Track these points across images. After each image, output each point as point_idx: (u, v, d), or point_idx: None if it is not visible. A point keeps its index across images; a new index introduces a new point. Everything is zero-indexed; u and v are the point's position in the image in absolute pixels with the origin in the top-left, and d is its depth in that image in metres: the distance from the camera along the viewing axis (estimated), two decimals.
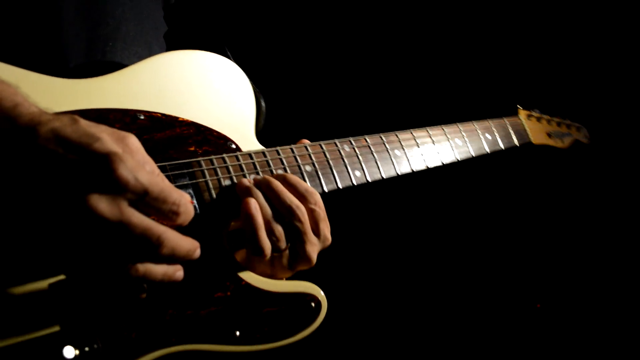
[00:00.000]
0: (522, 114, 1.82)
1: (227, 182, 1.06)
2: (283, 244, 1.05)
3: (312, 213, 1.07)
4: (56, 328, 0.81)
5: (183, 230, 0.87)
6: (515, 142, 1.69)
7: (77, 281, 0.79)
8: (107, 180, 0.75)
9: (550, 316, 2.42)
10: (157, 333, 0.89)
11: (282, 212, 1.04)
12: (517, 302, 2.48)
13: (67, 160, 0.76)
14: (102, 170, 0.76)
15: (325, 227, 1.12)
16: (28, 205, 0.75)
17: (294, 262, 1.09)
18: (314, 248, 1.09)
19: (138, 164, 0.80)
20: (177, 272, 0.84)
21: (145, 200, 0.79)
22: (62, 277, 0.81)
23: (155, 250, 0.79)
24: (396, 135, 1.38)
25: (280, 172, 1.14)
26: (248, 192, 1.04)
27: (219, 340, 0.94)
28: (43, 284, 0.81)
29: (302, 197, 1.07)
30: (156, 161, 0.99)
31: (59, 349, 0.80)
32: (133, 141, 0.85)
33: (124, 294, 0.81)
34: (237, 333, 0.96)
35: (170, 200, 0.81)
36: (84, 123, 0.81)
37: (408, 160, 1.37)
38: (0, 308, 0.77)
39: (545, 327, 2.38)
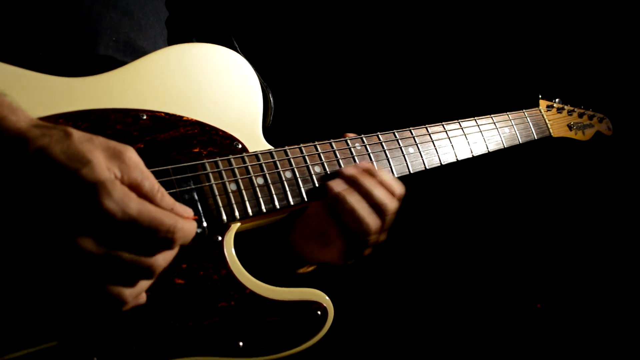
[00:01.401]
0: (543, 105, 1.75)
1: (232, 187, 1.03)
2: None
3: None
4: (54, 343, 0.79)
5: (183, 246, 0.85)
6: (534, 136, 1.63)
7: (69, 305, 0.76)
8: (94, 213, 0.71)
9: (551, 316, 2.40)
10: (158, 345, 0.87)
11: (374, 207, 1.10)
12: (517, 302, 2.45)
13: (53, 187, 0.70)
14: (89, 203, 0.70)
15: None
16: (14, 229, 0.71)
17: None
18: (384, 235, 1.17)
19: (127, 192, 0.74)
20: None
21: (134, 232, 0.74)
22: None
23: (148, 276, 0.76)
24: (410, 131, 1.33)
25: (288, 174, 1.10)
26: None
27: (222, 352, 0.92)
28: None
29: (391, 192, 1.13)
30: (159, 164, 0.97)
31: None
32: (131, 155, 0.79)
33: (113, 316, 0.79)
34: (241, 344, 0.94)
35: (163, 229, 0.76)
36: (76, 138, 0.74)
37: (422, 157, 1.32)
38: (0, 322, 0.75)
39: (545, 327, 2.36)
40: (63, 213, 0.70)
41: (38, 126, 0.75)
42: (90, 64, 1.08)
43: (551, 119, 1.73)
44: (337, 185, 1.11)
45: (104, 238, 0.72)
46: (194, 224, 0.84)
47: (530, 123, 1.63)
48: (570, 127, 1.79)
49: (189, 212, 0.86)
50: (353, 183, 1.11)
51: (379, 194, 1.11)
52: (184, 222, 0.80)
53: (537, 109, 1.70)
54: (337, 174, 1.14)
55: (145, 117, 1.00)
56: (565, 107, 1.80)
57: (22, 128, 0.74)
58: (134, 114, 0.99)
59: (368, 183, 1.11)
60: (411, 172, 1.30)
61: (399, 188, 1.15)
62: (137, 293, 0.77)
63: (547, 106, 1.75)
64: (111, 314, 0.79)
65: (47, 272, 0.71)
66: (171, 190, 0.96)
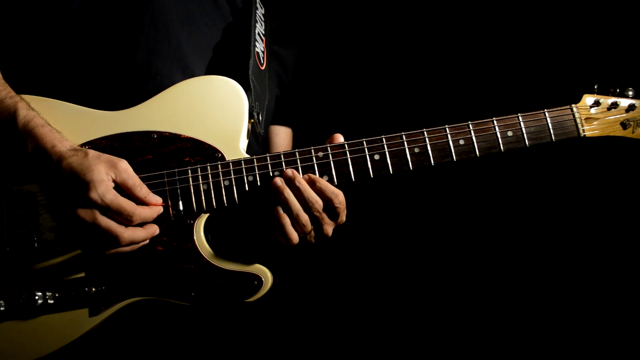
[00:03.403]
0: (588, 101, 1.61)
1: (204, 187, 1.46)
2: (308, 228, 1.43)
3: (336, 210, 1.43)
4: (82, 274, 1.40)
5: (167, 225, 1.40)
6: (552, 137, 1.55)
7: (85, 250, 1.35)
8: (86, 197, 1.26)
9: (550, 316, 2.13)
10: (139, 286, 1.41)
11: (307, 205, 1.41)
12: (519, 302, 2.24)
13: (72, 182, 1.28)
14: (85, 191, 1.26)
15: (343, 215, 1.47)
16: (56, 203, 1.32)
17: (317, 237, 1.48)
18: (330, 229, 1.47)
19: (108, 189, 1.27)
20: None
21: (110, 211, 1.27)
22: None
23: (117, 242, 1.28)
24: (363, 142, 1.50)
25: (250, 178, 1.47)
26: (279, 190, 1.41)
27: (179, 297, 1.41)
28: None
29: (329, 198, 1.42)
30: (161, 170, 1.46)
31: (83, 286, 1.39)
32: (122, 164, 1.33)
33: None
34: (193, 294, 1.41)
35: (124, 213, 1.27)
36: (90, 156, 1.30)
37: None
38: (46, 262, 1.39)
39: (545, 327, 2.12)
40: (72, 195, 1.28)
41: (72, 150, 1.34)
42: (139, 96, 1.58)
43: (594, 116, 1.60)
44: (278, 180, 1.42)
45: (91, 212, 1.26)
46: (155, 209, 1.35)
47: (550, 124, 1.56)
48: (624, 124, 1.60)
49: (158, 200, 1.37)
50: (290, 181, 1.41)
51: (310, 194, 1.40)
52: (142, 209, 1.32)
53: (567, 107, 1.59)
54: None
55: (155, 136, 1.49)
56: (621, 101, 1.60)
57: (62, 151, 1.33)
58: (148, 134, 1.50)
59: (302, 185, 1.40)
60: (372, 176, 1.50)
61: (337, 193, 1.42)
62: (114, 247, 1.30)
63: (594, 102, 1.61)
64: (98, 256, 1.36)
65: (69, 224, 1.30)
66: (163, 188, 1.45)
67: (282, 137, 1.98)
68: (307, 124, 2.05)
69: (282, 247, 1.49)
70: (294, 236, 1.43)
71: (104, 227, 1.27)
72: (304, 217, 1.41)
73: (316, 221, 1.42)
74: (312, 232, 1.46)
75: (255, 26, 1.76)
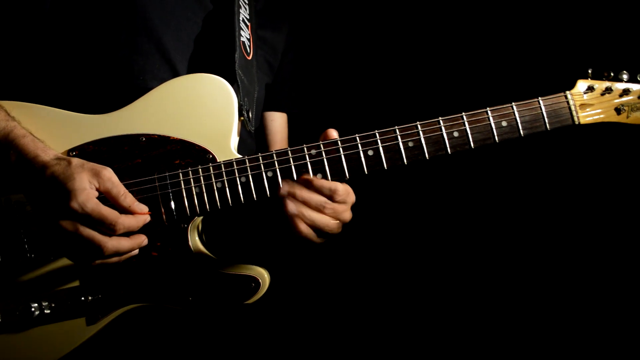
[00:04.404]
0: (582, 87, 1.59)
1: (196, 190, 1.43)
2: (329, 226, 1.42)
3: (338, 206, 1.41)
4: (77, 283, 1.39)
5: (161, 230, 1.37)
6: (545, 126, 1.54)
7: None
8: (67, 207, 1.23)
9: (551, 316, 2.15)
10: (136, 292, 1.40)
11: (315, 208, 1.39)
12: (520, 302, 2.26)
13: (55, 191, 1.25)
14: (66, 201, 1.23)
15: (347, 214, 1.45)
16: (41, 213, 1.30)
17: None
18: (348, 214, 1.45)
19: (89, 198, 1.24)
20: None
21: (91, 221, 1.25)
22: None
23: (100, 252, 1.26)
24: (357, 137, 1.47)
25: (243, 179, 1.45)
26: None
27: (176, 303, 1.41)
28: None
29: (328, 196, 1.40)
30: (150, 174, 1.43)
31: (79, 295, 1.38)
32: (105, 172, 1.30)
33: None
34: (190, 299, 1.41)
35: (106, 222, 1.25)
36: (73, 165, 1.28)
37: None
38: (41, 273, 1.37)
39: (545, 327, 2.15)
40: (54, 205, 1.25)
41: (56, 159, 1.31)
42: (123, 97, 1.54)
43: (588, 103, 1.58)
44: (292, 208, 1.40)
45: (73, 222, 1.24)
46: (140, 218, 1.32)
47: (545, 112, 1.54)
48: (618, 110, 1.59)
49: (143, 209, 1.34)
50: (294, 194, 1.39)
51: (316, 198, 1.38)
52: (126, 218, 1.29)
53: (562, 94, 1.56)
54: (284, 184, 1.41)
55: (143, 139, 1.46)
56: (616, 85, 1.58)
57: (45, 161, 1.30)
58: (136, 137, 1.46)
59: (305, 193, 1.38)
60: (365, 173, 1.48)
61: (335, 189, 1.40)
62: (100, 258, 1.28)
63: (588, 88, 1.59)
64: (86, 267, 1.34)
65: (53, 234, 1.27)
66: (154, 193, 1.43)
67: (278, 123, 1.94)
68: (301, 109, 2.01)
69: (281, 244, 1.48)
70: (311, 233, 1.42)
71: (86, 237, 1.25)
72: (319, 219, 1.39)
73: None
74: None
75: (239, 12, 1.70)
